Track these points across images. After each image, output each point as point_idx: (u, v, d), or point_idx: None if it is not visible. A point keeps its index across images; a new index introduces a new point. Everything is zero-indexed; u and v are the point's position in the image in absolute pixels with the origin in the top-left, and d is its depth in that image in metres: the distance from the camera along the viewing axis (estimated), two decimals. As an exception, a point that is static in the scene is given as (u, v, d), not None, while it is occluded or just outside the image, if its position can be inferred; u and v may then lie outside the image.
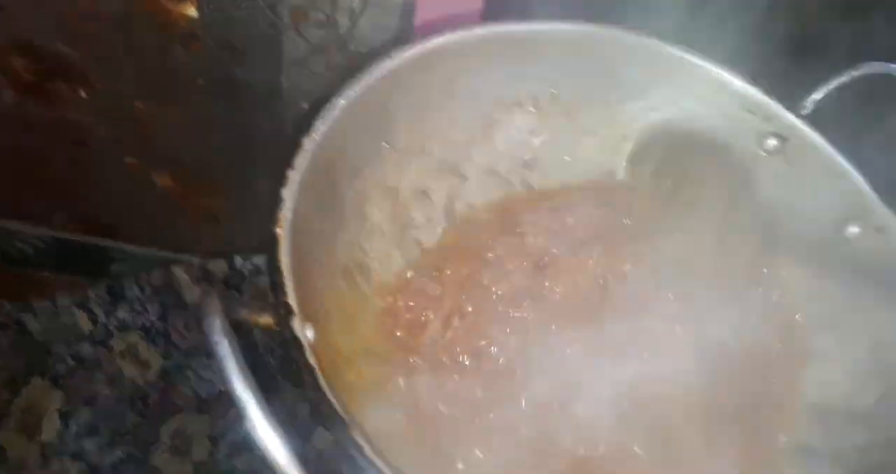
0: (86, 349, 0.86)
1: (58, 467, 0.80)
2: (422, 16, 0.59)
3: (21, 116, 0.73)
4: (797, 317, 0.52)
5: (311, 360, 0.35)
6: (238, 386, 0.29)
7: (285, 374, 0.38)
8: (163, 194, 0.80)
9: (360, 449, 0.33)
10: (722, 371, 0.48)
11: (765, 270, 0.53)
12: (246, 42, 0.65)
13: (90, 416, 0.83)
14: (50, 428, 0.82)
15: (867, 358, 0.48)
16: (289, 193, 0.39)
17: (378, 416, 0.41)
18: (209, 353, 0.30)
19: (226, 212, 0.81)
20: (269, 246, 0.37)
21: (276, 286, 0.36)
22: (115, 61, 0.68)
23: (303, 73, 0.66)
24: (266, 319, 0.36)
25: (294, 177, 0.39)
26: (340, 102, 0.42)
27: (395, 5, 0.59)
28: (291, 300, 0.36)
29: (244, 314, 0.36)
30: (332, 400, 0.34)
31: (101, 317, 0.86)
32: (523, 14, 0.53)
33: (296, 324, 0.36)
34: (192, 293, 0.85)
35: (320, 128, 0.41)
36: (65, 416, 0.83)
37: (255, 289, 0.82)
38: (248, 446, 0.87)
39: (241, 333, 0.34)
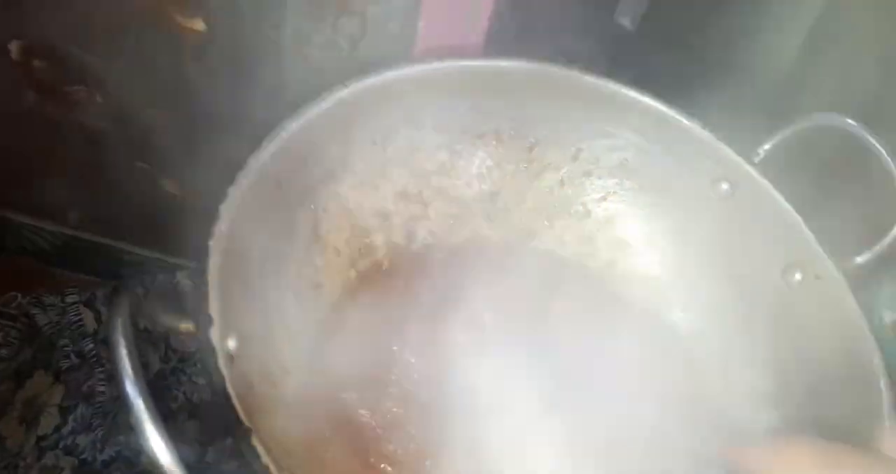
0: (89, 346, 0.90)
1: (52, 460, 0.85)
2: (422, 45, 0.63)
3: (41, 117, 0.80)
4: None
5: (223, 367, 0.39)
6: (129, 386, 0.33)
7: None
8: (169, 200, 0.86)
9: (257, 456, 0.37)
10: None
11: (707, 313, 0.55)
12: (250, 59, 0.69)
13: (87, 413, 0.87)
14: (48, 422, 0.86)
15: (805, 403, 0.50)
16: (227, 208, 0.43)
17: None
18: (111, 352, 0.34)
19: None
20: (200, 258, 0.41)
21: (201, 296, 0.40)
22: (130, 69, 0.74)
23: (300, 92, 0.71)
24: (187, 326, 0.40)
25: (234, 193, 0.43)
26: (292, 125, 0.46)
27: (394, 34, 0.63)
28: (213, 311, 0.40)
29: (166, 319, 0.40)
30: (237, 404, 0.38)
31: (106, 317, 0.91)
32: (524, 50, 0.56)
33: (213, 333, 0.39)
34: (191, 298, 0.90)
35: (268, 147, 0.45)
36: (63, 411, 0.87)
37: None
38: (239, 453, 0.91)
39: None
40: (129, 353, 0.34)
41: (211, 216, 0.44)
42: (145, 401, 0.33)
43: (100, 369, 0.90)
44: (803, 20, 0.61)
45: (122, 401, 0.35)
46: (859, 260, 0.52)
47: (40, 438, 0.85)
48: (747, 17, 0.62)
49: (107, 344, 0.89)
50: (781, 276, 0.53)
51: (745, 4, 0.62)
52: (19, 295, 0.97)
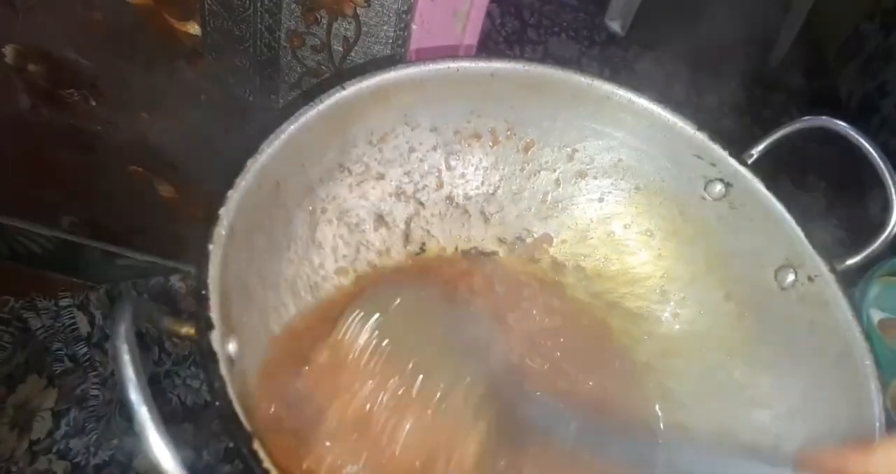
0: (82, 350, 0.90)
1: (44, 465, 0.84)
2: (415, 47, 0.63)
3: (35, 121, 0.80)
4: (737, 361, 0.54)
5: (223, 372, 0.38)
6: (132, 393, 0.33)
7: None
8: (164, 203, 0.85)
9: (258, 461, 0.37)
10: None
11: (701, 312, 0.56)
12: (245, 61, 0.69)
13: (80, 417, 0.87)
14: (41, 427, 0.86)
15: (798, 403, 0.50)
16: (226, 212, 0.42)
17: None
18: (113, 358, 0.33)
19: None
20: (200, 261, 0.41)
21: (201, 300, 0.40)
22: (125, 73, 0.74)
23: (297, 95, 0.71)
24: (188, 330, 0.40)
25: (234, 196, 0.43)
26: (290, 128, 0.46)
27: (388, 36, 0.63)
28: (213, 314, 0.40)
29: (167, 323, 0.40)
30: (238, 410, 0.37)
31: (99, 320, 0.90)
32: (515, 54, 0.56)
33: (214, 336, 0.39)
34: (186, 302, 0.90)
35: (266, 150, 0.45)
36: (56, 415, 0.87)
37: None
38: (229, 456, 0.90)
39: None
40: (133, 361, 0.34)
41: (206, 220, 0.43)
42: (150, 409, 0.33)
43: (93, 373, 0.89)
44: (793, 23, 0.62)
45: (125, 409, 0.34)
46: (850, 262, 0.52)
47: (33, 443, 0.85)
48: (737, 20, 0.62)
49: (100, 347, 0.88)
50: (774, 277, 0.53)
51: (734, 9, 0.63)
52: (12, 299, 0.96)
